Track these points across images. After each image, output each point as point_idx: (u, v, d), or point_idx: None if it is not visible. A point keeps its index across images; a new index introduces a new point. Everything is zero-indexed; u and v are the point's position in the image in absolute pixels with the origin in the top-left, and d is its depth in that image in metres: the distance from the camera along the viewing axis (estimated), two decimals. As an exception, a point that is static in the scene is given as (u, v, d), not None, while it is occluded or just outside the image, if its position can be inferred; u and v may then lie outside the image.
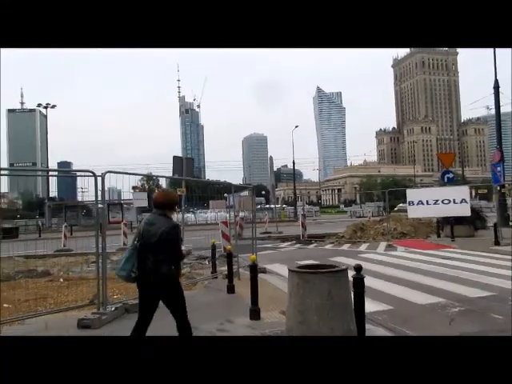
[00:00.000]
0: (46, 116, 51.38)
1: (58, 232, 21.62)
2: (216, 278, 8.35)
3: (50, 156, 50.14)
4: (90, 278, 8.34)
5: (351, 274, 3.83)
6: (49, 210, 40.52)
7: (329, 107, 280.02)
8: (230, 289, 6.83)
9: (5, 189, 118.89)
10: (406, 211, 16.38)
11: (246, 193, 21.85)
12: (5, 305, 6.89)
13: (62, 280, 9.62)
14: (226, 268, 8.96)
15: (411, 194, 15.20)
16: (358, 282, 3.86)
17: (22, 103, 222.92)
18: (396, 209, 33.86)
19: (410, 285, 7.37)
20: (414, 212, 14.78)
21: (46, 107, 44.48)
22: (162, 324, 3.70)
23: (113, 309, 5.47)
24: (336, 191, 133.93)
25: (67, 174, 48.19)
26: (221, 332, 4.73)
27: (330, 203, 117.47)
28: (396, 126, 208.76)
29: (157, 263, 3.52)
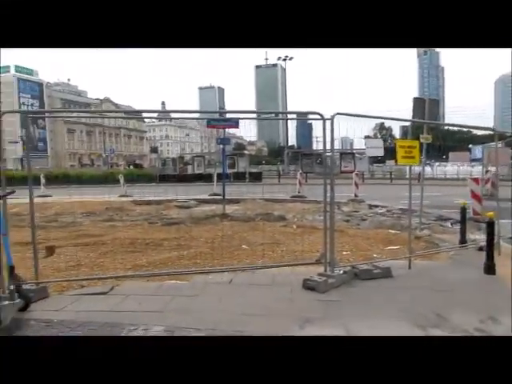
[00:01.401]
0: (284, 69, 55.02)
1: (294, 178, 22.95)
2: (466, 248, 6.76)
3: (290, 106, 53.95)
4: (321, 228, 8.14)
5: None
6: (287, 157, 44.13)
7: None
8: (489, 268, 5.23)
9: (254, 137, 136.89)
10: None
11: (499, 144, 18.26)
12: (243, 246, 7.28)
13: (295, 227, 9.77)
14: (477, 237, 7.34)
15: None
16: None
17: (266, 59, 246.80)
18: None
19: None
20: None
21: (284, 59, 47.48)
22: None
23: (341, 272, 4.83)
24: None
25: (297, 118, 51.05)
26: (481, 334, 3.42)
27: None
28: None
29: None
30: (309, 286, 4.48)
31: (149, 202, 15.27)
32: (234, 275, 5.04)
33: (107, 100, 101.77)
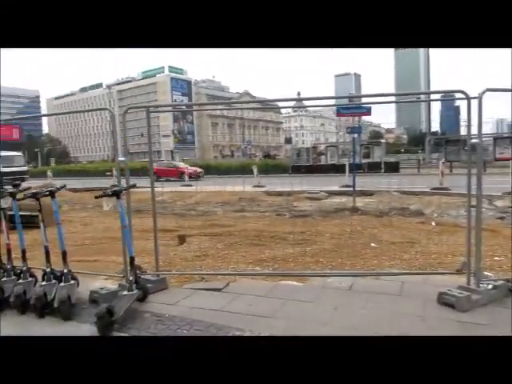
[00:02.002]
0: (427, 49, 50.32)
1: (437, 168, 20.90)
2: None
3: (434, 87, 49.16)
4: (466, 227, 7.01)
5: None
6: (429, 145, 40.37)
7: None
8: None
9: (392, 124, 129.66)
10: None
11: None
12: (372, 244, 6.65)
13: (433, 224, 8.73)
14: None
15: None
16: None
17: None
18: None
19: None
20: None
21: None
22: None
23: (489, 287, 3.91)
24: None
25: (438, 99, 46.17)
26: None
27: None
28: None
29: None
30: (446, 301, 3.71)
31: (280, 193, 15.38)
32: (356, 279, 4.52)
33: (246, 93, 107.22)
